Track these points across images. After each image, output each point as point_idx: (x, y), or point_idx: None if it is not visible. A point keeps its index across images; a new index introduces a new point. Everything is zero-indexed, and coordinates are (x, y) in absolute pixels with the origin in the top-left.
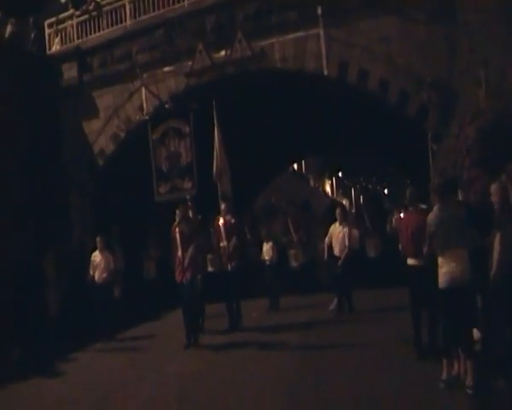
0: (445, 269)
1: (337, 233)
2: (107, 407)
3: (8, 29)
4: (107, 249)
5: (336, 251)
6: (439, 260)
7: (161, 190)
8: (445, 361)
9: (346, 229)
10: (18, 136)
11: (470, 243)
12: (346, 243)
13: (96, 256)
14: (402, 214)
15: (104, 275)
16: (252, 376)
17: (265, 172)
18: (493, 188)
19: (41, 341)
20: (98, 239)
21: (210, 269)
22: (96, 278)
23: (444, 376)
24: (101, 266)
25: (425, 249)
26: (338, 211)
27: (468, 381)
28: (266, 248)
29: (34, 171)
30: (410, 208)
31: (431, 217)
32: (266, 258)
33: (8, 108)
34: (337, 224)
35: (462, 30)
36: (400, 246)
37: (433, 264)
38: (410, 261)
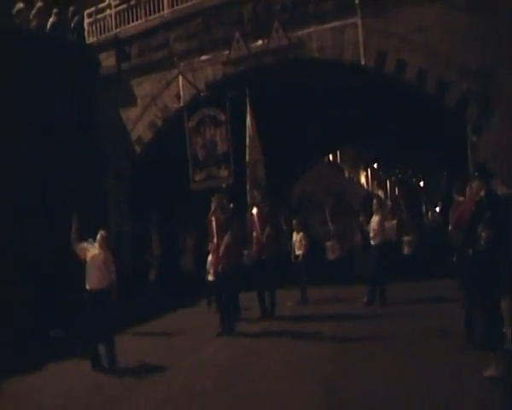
0: None
1: (372, 223)
2: (143, 389)
3: (50, 20)
4: (107, 247)
5: (371, 241)
6: None
7: (197, 177)
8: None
9: (377, 218)
10: (58, 123)
11: None
12: (378, 233)
13: (93, 251)
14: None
15: (103, 282)
16: (285, 364)
17: (301, 163)
18: None
19: (80, 323)
20: (102, 233)
21: (246, 262)
22: (90, 285)
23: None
24: (100, 268)
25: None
26: (374, 201)
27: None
28: (296, 239)
29: (73, 158)
30: (461, 198)
31: None
32: (296, 250)
33: (49, 97)
34: (374, 214)
35: (506, 17)
36: (453, 236)
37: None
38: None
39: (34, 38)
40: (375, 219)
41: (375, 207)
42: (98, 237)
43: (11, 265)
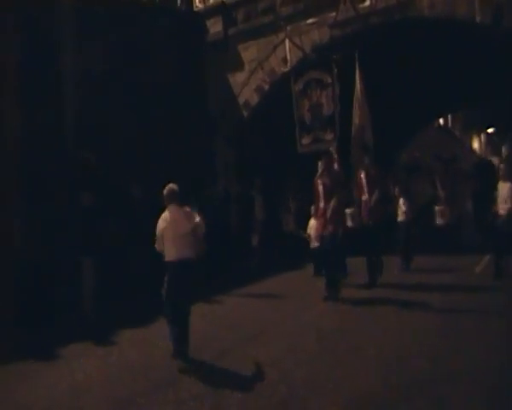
0: None
1: (501, 190)
2: (249, 347)
3: None
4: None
5: (500, 209)
6: None
7: (304, 141)
8: None
9: (508, 184)
10: (170, 89)
11: None
12: (508, 201)
13: (167, 218)
14: None
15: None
16: (391, 333)
17: (410, 126)
18: None
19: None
20: (171, 189)
21: (349, 224)
22: (169, 256)
23: None
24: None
25: None
26: (502, 166)
27: None
28: (400, 204)
29: (183, 122)
30: None
31: None
32: (399, 215)
33: (161, 64)
34: (501, 181)
35: None
36: None
37: None
38: None
39: (149, 8)
40: (504, 186)
41: (502, 173)
42: None
43: (125, 226)
